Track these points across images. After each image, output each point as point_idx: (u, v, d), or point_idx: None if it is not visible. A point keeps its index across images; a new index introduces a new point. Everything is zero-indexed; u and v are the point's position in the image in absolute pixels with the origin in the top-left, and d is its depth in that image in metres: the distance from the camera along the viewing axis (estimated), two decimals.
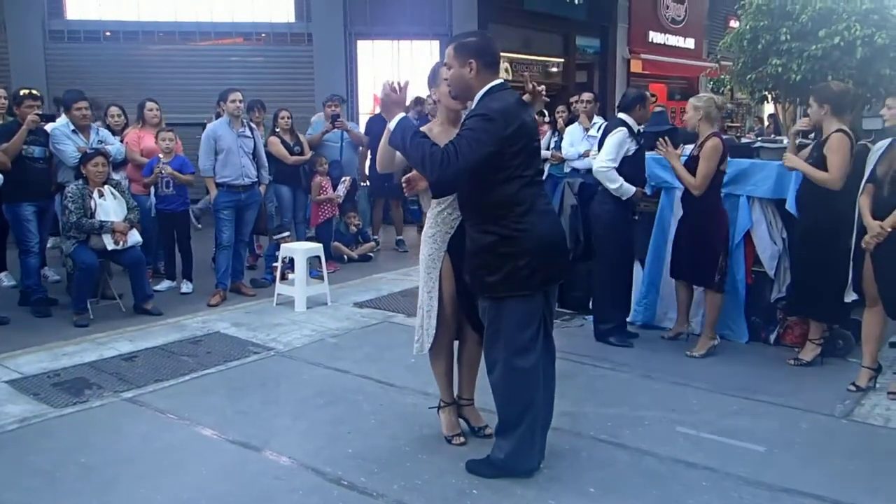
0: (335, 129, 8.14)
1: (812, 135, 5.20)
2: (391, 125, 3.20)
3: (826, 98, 4.64)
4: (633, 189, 5.10)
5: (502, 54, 15.02)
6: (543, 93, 3.55)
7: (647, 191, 5.52)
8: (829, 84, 5.01)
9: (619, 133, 5.09)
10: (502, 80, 3.26)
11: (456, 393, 3.81)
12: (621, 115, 5.21)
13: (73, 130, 6.29)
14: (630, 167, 5.12)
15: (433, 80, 3.59)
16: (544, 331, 3.33)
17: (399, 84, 3.27)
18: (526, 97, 3.53)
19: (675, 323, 5.46)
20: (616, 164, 5.07)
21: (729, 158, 5.03)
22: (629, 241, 5.34)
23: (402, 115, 3.22)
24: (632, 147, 5.11)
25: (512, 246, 3.17)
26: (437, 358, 3.66)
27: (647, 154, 5.35)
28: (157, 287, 6.82)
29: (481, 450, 3.49)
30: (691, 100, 5.16)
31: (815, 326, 4.90)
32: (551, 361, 3.44)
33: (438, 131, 3.47)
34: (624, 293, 5.43)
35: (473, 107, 3.23)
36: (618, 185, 5.06)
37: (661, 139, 5.10)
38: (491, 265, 3.21)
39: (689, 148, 5.32)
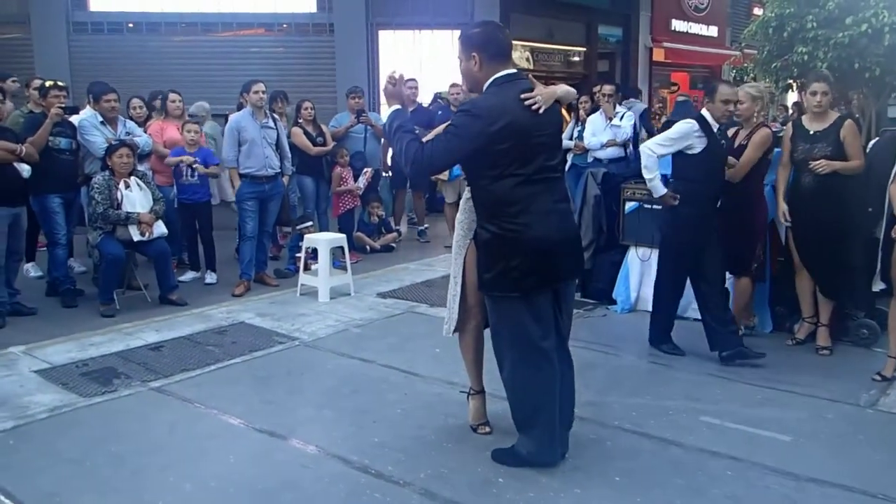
0: (360, 124, 8.17)
1: (780, 121, 5.21)
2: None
3: (832, 85, 4.83)
4: (663, 190, 4.68)
5: (524, 43, 14.74)
6: (534, 106, 3.08)
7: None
8: (827, 71, 5.22)
9: (685, 124, 4.61)
10: (509, 72, 3.16)
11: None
12: (703, 110, 4.67)
13: (101, 122, 6.35)
14: (692, 170, 4.60)
15: None
16: (556, 329, 3.28)
17: (395, 76, 3.29)
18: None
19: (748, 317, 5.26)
20: (663, 153, 4.64)
21: None
22: (690, 244, 4.71)
23: (397, 107, 3.26)
24: (697, 145, 4.57)
25: (504, 246, 3.13)
26: (465, 344, 3.66)
27: None
28: (182, 278, 6.90)
29: (507, 439, 3.49)
30: (747, 89, 4.91)
31: (824, 308, 4.89)
32: (566, 358, 3.39)
33: None
34: (678, 297, 4.96)
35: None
36: (651, 176, 4.64)
37: None
38: (486, 263, 3.20)
39: None
